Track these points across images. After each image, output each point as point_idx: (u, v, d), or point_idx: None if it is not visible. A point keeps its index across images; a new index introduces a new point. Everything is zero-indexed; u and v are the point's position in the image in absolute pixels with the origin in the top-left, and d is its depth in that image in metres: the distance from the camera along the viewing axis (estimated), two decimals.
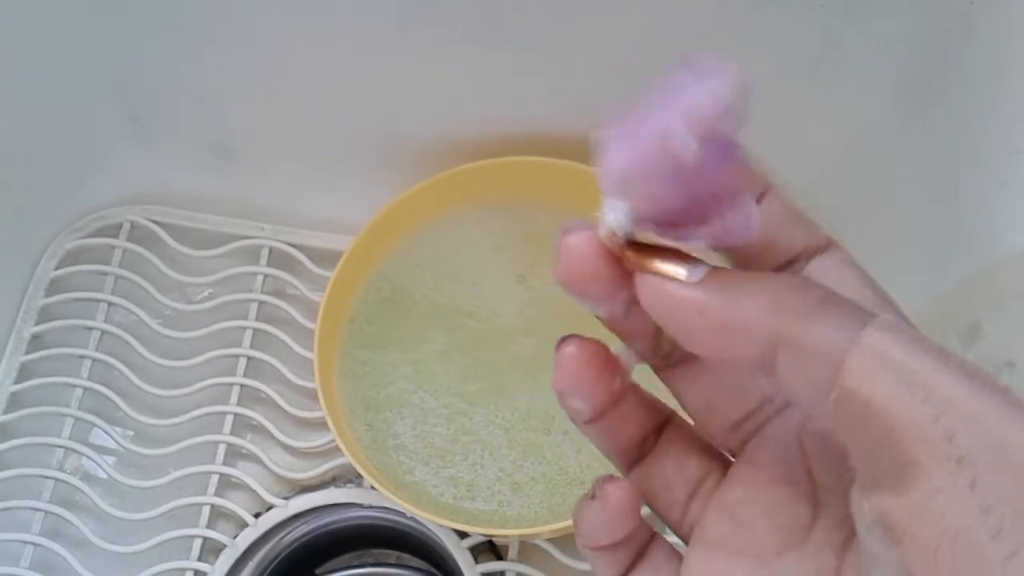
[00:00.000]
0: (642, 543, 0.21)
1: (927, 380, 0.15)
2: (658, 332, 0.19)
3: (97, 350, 0.48)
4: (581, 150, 0.45)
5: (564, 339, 0.19)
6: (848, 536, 0.18)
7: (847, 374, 0.15)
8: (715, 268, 0.17)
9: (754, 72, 0.15)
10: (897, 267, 0.36)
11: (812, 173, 0.43)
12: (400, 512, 0.45)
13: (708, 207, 0.16)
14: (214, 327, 0.49)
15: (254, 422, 0.47)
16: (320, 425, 0.46)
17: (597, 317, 0.19)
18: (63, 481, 0.46)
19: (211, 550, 0.45)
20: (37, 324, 0.49)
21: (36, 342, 0.49)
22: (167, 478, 0.45)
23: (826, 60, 0.38)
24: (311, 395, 0.47)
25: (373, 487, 0.43)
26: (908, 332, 0.15)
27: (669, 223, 0.17)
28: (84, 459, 0.47)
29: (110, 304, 0.49)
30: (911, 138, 0.36)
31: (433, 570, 0.48)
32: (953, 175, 0.34)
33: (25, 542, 0.44)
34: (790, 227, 0.19)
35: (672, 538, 0.21)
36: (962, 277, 0.31)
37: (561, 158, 0.45)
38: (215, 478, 0.46)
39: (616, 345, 0.20)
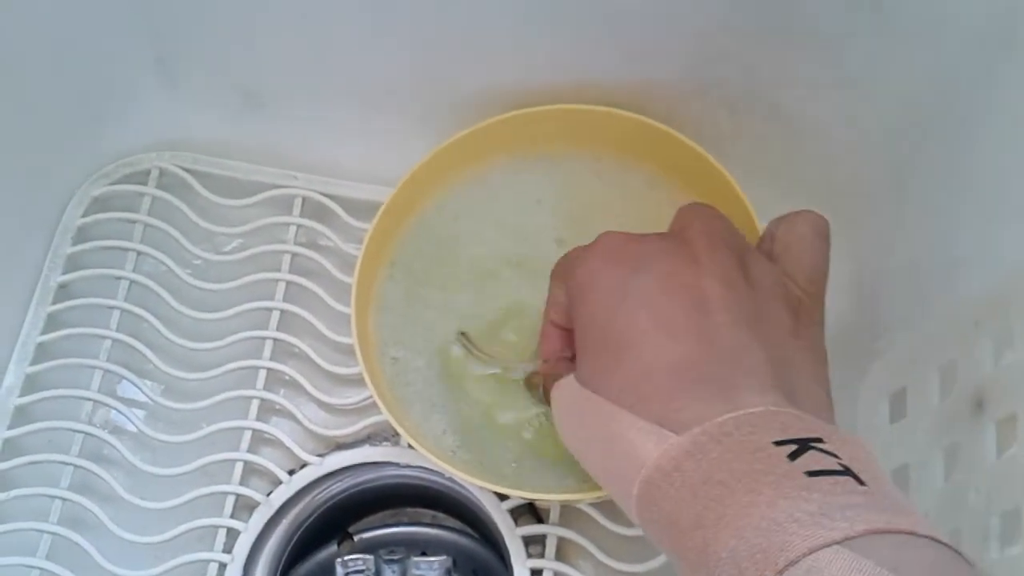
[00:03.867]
0: None
1: None
2: None
3: (126, 301, 0.47)
4: (620, 98, 0.43)
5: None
6: None
7: None
8: None
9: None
10: (991, 220, 0.34)
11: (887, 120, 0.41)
12: (437, 471, 0.44)
13: None
14: (246, 279, 0.47)
15: (287, 377, 0.46)
16: (355, 382, 0.45)
17: None
18: (92, 435, 0.44)
19: (244, 507, 0.44)
20: (64, 273, 0.47)
21: (63, 292, 0.47)
22: (199, 433, 0.44)
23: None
24: (345, 350, 0.46)
25: (410, 445, 0.42)
26: None
27: None
28: (113, 412, 0.46)
29: (139, 253, 0.48)
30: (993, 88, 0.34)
31: (470, 530, 0.47)
32: None
33: (54, 496, 0.43)
34: None
35: None
36: None
37: (602, 105, 0.43)
38: (248, 434, 0.44)
39: None
